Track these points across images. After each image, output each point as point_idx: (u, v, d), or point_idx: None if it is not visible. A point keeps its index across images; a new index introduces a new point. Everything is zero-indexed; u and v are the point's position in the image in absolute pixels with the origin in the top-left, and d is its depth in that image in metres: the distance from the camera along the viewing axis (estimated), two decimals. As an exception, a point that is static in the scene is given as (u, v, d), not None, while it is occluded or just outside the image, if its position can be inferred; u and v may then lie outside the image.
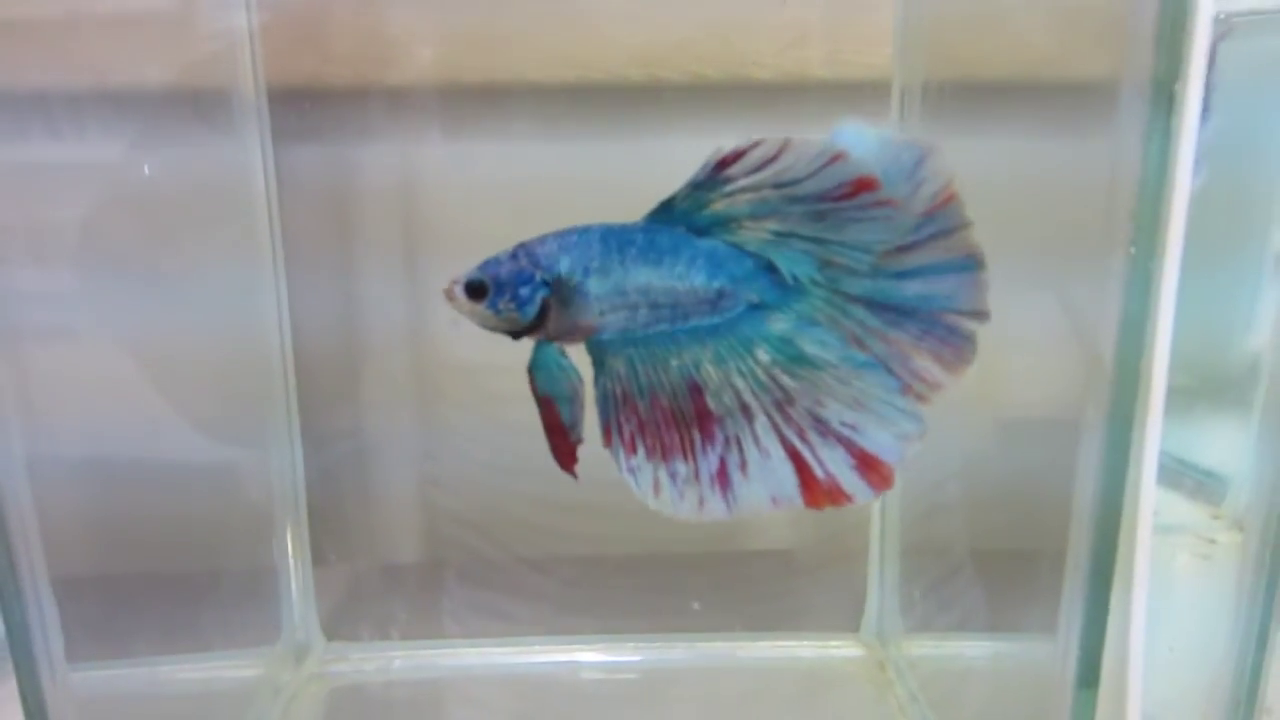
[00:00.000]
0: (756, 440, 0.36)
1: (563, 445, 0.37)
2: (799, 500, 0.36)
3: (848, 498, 0.36)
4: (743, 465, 0.36)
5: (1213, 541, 0.53)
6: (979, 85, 0.57)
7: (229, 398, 0.65)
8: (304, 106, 0.66)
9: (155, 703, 0.55)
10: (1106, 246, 0.37)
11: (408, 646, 0.73)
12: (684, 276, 0.36)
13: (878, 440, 0.36)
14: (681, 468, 0.36)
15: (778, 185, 0.35)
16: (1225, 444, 0.54)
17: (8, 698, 0.39)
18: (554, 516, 0.72)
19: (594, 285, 0.36)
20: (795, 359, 0.36)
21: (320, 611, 0.73)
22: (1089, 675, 0.40)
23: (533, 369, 0.37)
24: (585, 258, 0.36)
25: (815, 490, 0.36)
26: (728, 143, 0.35)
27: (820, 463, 0.36)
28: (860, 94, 0.67)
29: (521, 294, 0.36)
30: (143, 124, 0.54)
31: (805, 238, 0.36)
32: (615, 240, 0.36)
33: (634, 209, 0.67)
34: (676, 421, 0.36)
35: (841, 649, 0.72)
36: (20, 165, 0.47)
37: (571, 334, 0.37)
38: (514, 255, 0.37)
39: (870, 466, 0.36)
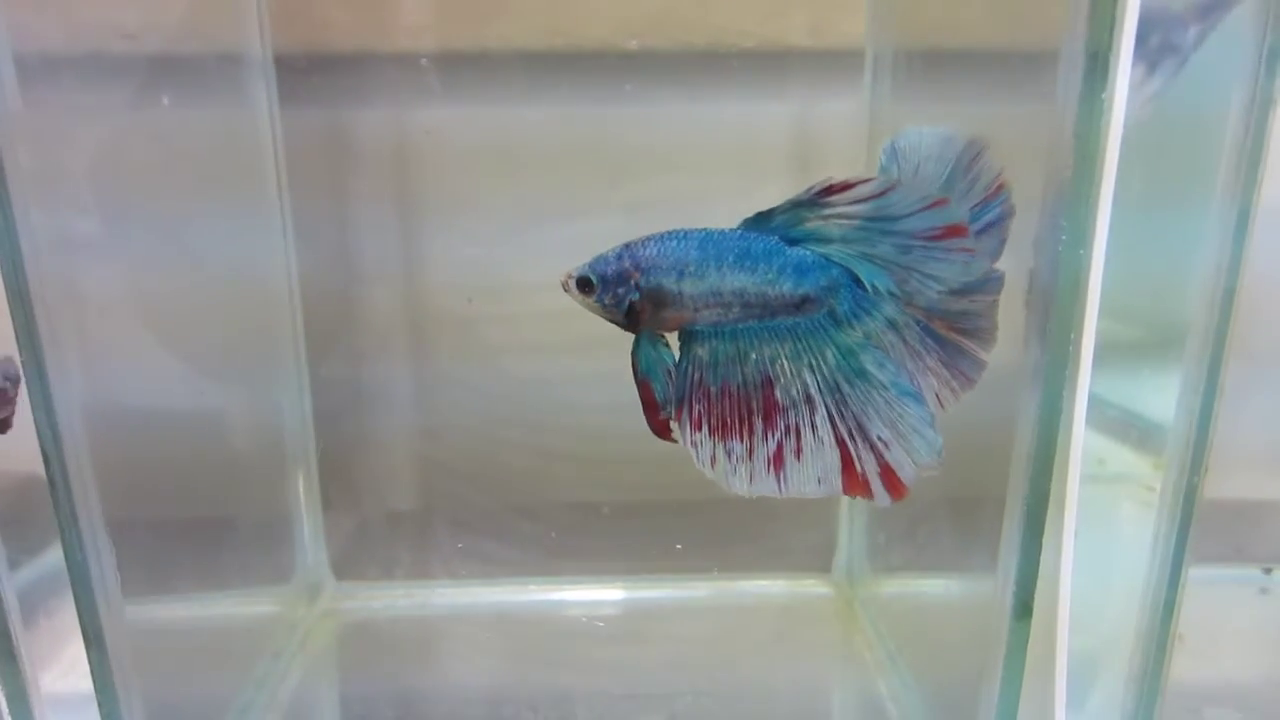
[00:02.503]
0: (815, 428, 0.40)
1: (655, 419, 0.41)
2: (839, 485, 0.41)
3: (872, 495, 0.41)
4: (798, 450, 0.41)
5: (1153, 489, 0.56)
6: (944, 54, 0.59)
7: (244, 357, 0.69)
8: (308, 70, 0.69)
9: (184, 636, 0.59)
10: (1046, 207, 0.41)
11: (412, 585, 0.78)
12: (774, 283, 0.40)
13: (900, 460, 0.40)
14: (737, 447, 0.40)
15: (874, 219, 0.38)
16: (1169, 397, 0.57)
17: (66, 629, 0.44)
18: (545, 464, 0.76)
19: (688, 287, 0.40)
20: (856, 372, 0.40)
21: (330, 553, 0.77)
22: (1023, 608, 0.45)
23: (634, 352, 0.41)
24: (682, 262, 0.40)
25: (853, 481, 0.41)
26: (837, 173, 0.38)
27: (859, 459, 0.41)
28: (838, 62, 0.70)
29: (619, 293, 0.40)
30: (158, 84, 0.56)
31: (888, 263, 0.40)
32: (714, 246, 0.40)
33: (619, 172, 0.71)
34: (741, 407, 0.40)
35: (813, 588, 0.77)
36: (52, 123, 0.49)
37: (666, 326, 0.41)
38: (619, 255, 0.40)
39: (890, 478, 0.40)
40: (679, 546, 0.76)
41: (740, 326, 0.40)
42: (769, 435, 0.40)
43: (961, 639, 0.55)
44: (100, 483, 0.43)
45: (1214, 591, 0.68)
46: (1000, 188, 0.40)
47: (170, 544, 0.57)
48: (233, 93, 0.66)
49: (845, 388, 0.40)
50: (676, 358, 0.41)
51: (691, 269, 0.40)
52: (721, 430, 0.40)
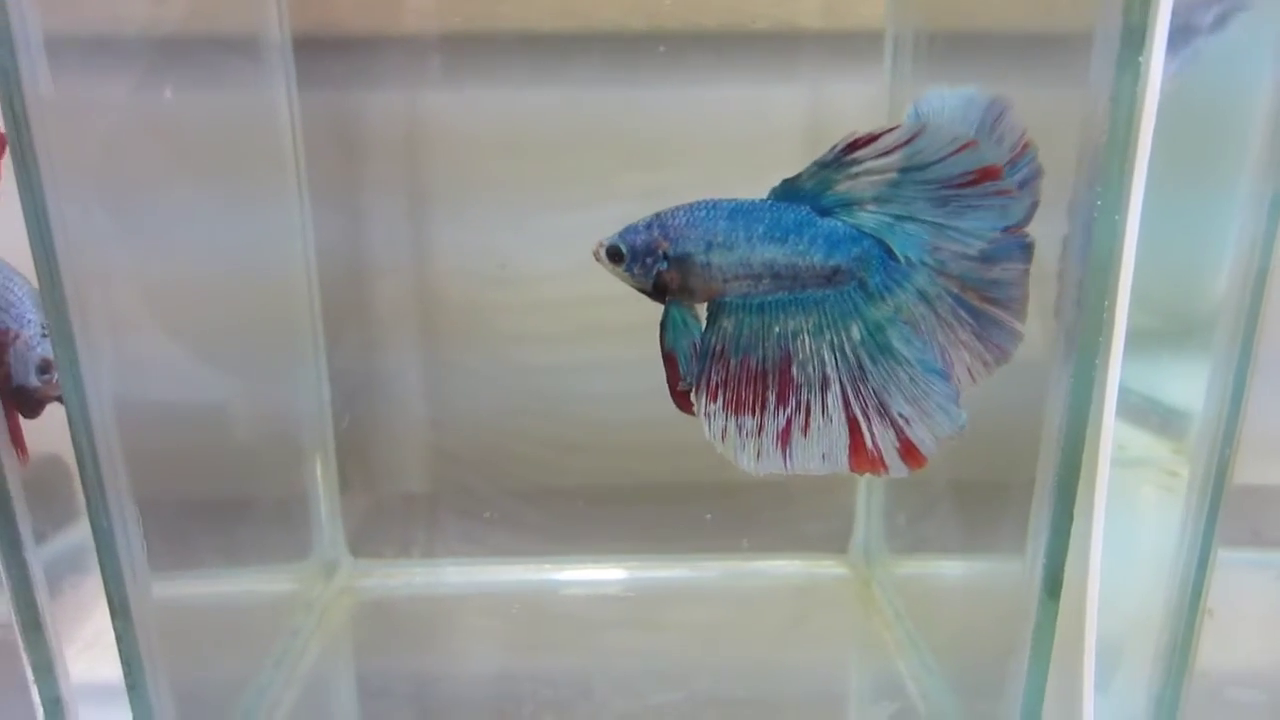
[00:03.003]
0: (825, 407, 0.40)
1: (676, 391, 0.41)
2: (845, 463, 0.40)
3: (885, 469, 0.40)
4: (805, 428, 0.40)
5: (1174, 474, 0.55)
6: (969, 35, 0.59)
7: (265, 344, 0.69)
8: (324, 52, 0.68)
9: (206, 613, 0.59)
10: (1078, 192, 0.41)
11: (427, 564, 0.78)
12: (805, 254, 0.39)
13: (921, 435, 0.40)
14: (749, 422, 0.40)
15: (905, 169, 0.38)
16: (1190, 383, 0.56)
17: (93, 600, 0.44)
18: (558, 451, 0.77)
19: (716, 258, 0.39)
20: (881, 348, 0.40)
21: (347, 532, 0.78)
22: (1053, 586, 0.45)
23: (662, 324, 0.41)
24: (710, 233, 0.39)
25: (861, 457, 0.40)
26: (861, 128, 0.38)
27: (873, 437, 0.40)
28: (854, 44, 0.69)
29: (648, 263, 0.40)
30: (177, 66, 0.56)
31: (922, 221, 0.39)
32: (743, 217, 0.39)
33: (632, 156, 0.70)
34: (757, 382, 0.40)
35: (831, 569, 0.77)
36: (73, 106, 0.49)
37: (695, 297, 0.40)
38: (649, 225, 0.40)
39: (910, 453, 0.40)
40: (708, 517, 0.76)
41: (769, 299, 0.40)
42: (780, 411, 0.40)
43: (985, 619, 0.55)
44: (128, 461, 0.43)
45: (1232, 575, 0.68)
46: (1026, 146, 0.39)
47: (193, 522, 0.57)
48: (251, 76, 0.66)
49: (868, 364, 0.40)
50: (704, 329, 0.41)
51: (720, 239, 0.39)
52: (736, 405, 0.40)
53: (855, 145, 0.38)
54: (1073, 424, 0.43)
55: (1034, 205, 0.40)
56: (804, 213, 0.39)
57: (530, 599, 0.76)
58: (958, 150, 0.37)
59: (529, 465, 0.77)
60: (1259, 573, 0.72)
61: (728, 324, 0.40)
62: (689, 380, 0.40)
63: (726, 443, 0.40)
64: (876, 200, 0.39)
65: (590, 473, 0.77)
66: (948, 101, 0.39)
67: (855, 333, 0.40)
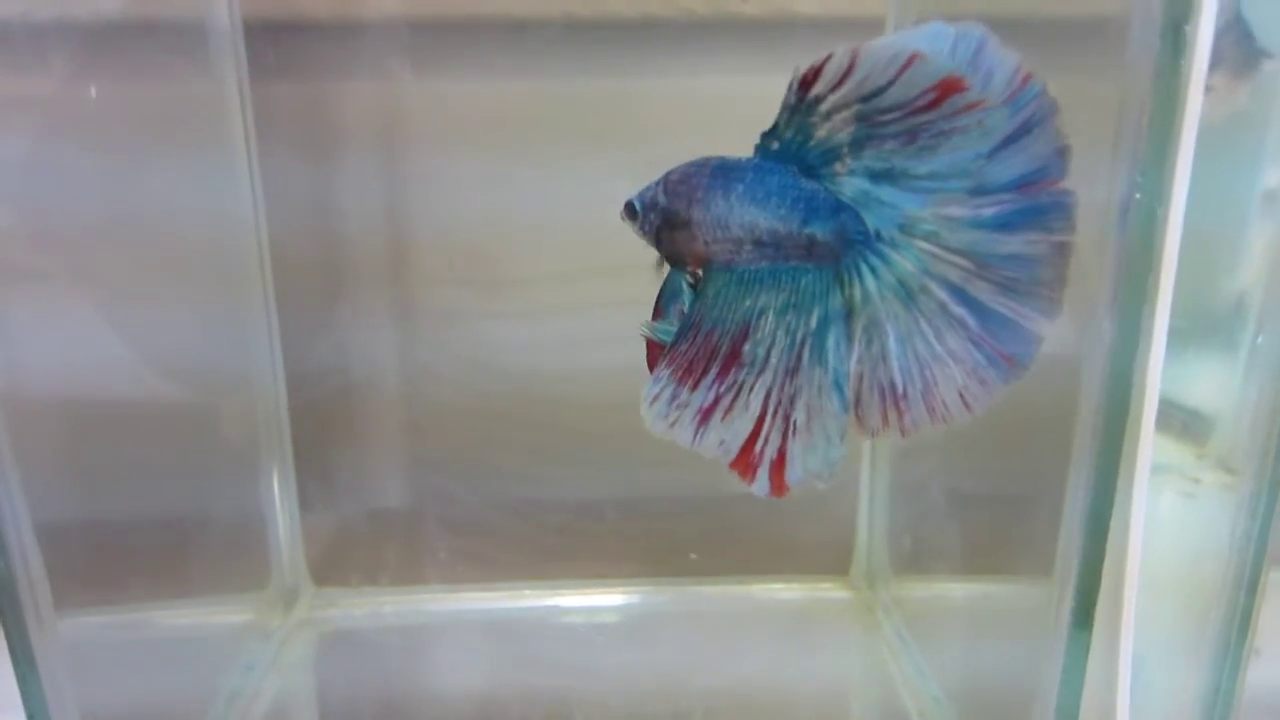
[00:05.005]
0: (750, 392, 0.36)
1: (650, 356, 0.38)
2: (730, 457, 0.36)
3: (752, 479, 0.36)
4: (728, 410, 0.36)
5: (1197, 480, 0.52)
6: (980, 20, 0.55)
7: (211, 337, 0.64)
8: (282, 39, 0.64)
9: (146, 649, 0.55)
10: (1109, 197, 0.36)
11: (396, 592, 0.73)
12: (785, 219, 0.35)
13: (794, 455, 0.36)
14: (683, 394, 0.36)
15: (864, 98, 0.32)
16: (1211, 383, 0.54)
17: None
18: (540, 462, 0.72)
19: (696, 215, 0.36)
20: (819, 343, 0.35)
21: (308, 556, 0.73)
22: (1084, 616, 0.40)
23: (661, 289, 0.38)
24: (692, 188, 0.36)
25: (744, 457, 0.36)
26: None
27: (763, 440, 0.36)
28: (852, 30, 0.65)
29: (650, 219, 0.38)
30: (116, 56, 0.53)
31: (907, 174, 0.33)
32: (724, 175, 0.36)
33: (618, 146, 0.66)
34: (708, 356, 0.36)
35: (831, 591, 0.72)
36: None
37: (685, 259, 0.37)
38: (658, 181, 0.38)
39: (778, 470, 0.36)
40: (693, 556, 0.71)
41: (751, 269, 0.36)
42: (713, 386, 0.36)
43: (1003, 649, 0.50)
44: (25, 477, 0.37)
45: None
46: (1027, 79, 0.33)
47: (126, 547, 0.53)
48: (198, 64, 0.61)
49: (804, 358, 0.35)
50: None
51: (700, 196, 0.36)
52: (682, 374, 0.36)
53: (806, 82, 0.33)
54: (1108, 431, 0.38)
55: (1063, 151, 0.33)
56: (789, 175, 0.35)
57: (510, 629, 0.72)
58: (904, 67, 0.31)
59: (509, 479, 0.73)
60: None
61: (710, 292, 0.37)
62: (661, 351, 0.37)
63: (653, 408, 0.36)
64: (853, 146, 0.33)
65: (576, 487, 0.73)
66: (908, 39, 0.32)
67: (813, 320, 0.35)
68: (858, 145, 0.33)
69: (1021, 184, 0.33)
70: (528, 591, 0.73)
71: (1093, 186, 0.36)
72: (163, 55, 0.58)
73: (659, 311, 0.38)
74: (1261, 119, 0.50)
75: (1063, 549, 0.41)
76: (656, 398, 0.36)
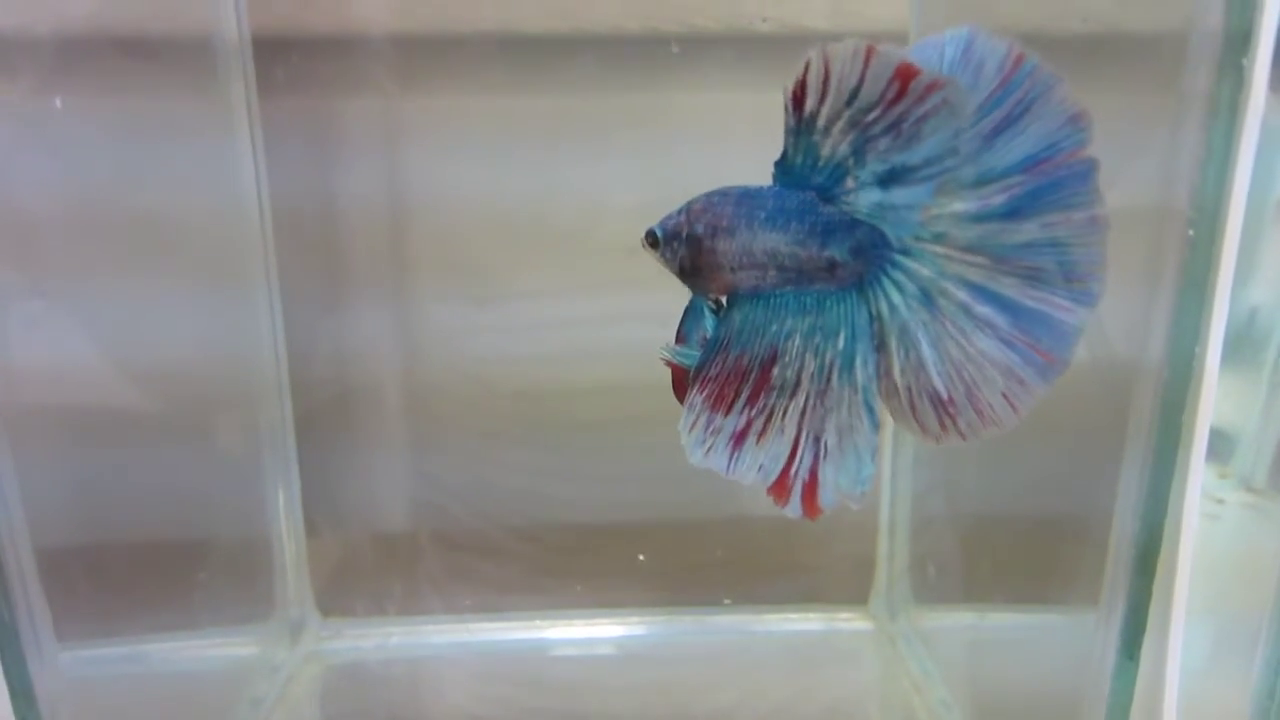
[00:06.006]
0: (784, 416, 0.35)
1: (677, 384, 0.38)
2: (769, 482, 0.35)
3: (785, 503, 0.35)
4: (762, 434, 0.35)
5: (1221, 501, 0.51)
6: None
7: (219, 367, 0.63)
8: (289, 56, 0.63)
9: (148, 683, 0.53)
10: (1154, 231, 0.35)
11: (404, 622, 0.71)
12: (805, 244, 0.35)
13: (828, 478, 0.35)
14: (718, 419, 0.36)
15: (848, 103, 0.32)
16: (1232, 401, 0.53)
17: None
18: (549, 484, 0.71)
19: (721, 244, 0.36)
20: (847, 362, 0.34)
21: (314, 586, 0.71)
22: (1131, 646, 0.39)
23: (684, 314, 0.38)
24: (717, 218, 0.36)
25: (781, 483, 0.35)
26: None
27: (798, 460, 0.35)
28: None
29: (674, 248, 0.37)
30: (122, 71, 0.52)
31: (908, 169, 0.32)
32: (749, 202, 0.36)
33: (626, 164, 0.65)
34: (738, 380, 0.36)
35: (850, 623, 0.70)
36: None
37: (708, 285, 0.37)
38: (681, 210, 0.38)
39: (810, 493, 0.35)
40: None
41: (776, 294, 0.36)
42: (745, 411, 0.35)
43: (1040, 682, 0.48)
44: (29, 504, 0.36)
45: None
46: (1019, 60, 0.31)
47: (127, 578, 0.51)
48: (205, 79, 0.60)
49: (833, 377, 0.34)
50: None
51: (725, 225, 0.36)
52: (715, 400, 0.36)
53: (797, 99, 0.32)
54: (1160, 463, 0.36)
55: (1076, 119, 0.31)
56: (808, 198, 0.35)
57: (520, 658, 0.70)
58: (866, 62, 0.30)
59: (517, 501, 0.71)
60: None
61: (736, 316, 0.36)
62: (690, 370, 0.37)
63: (691, 434, 0.36)
64: (856, 157, 0.33)
65: (584, 509, 0.71)
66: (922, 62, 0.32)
67: (840, 341, 0.35)
68: (859, 154, 0.33)
69: (1030, 164, 0.32)
70: (539, 621, 0.71)
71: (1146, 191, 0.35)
72: (172, 68, 0.58)
73: (681, 336, 0.38)
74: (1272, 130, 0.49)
75: (1109, 578, 0.39)
76: (693, 425, 0.36)
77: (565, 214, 0.65)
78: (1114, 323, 0.38)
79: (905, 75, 0.30)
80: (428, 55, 0.64)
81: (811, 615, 0.71)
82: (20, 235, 0.44)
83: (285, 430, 0.68)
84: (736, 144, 0.63)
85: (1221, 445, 0.54)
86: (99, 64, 0.50)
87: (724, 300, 0.37)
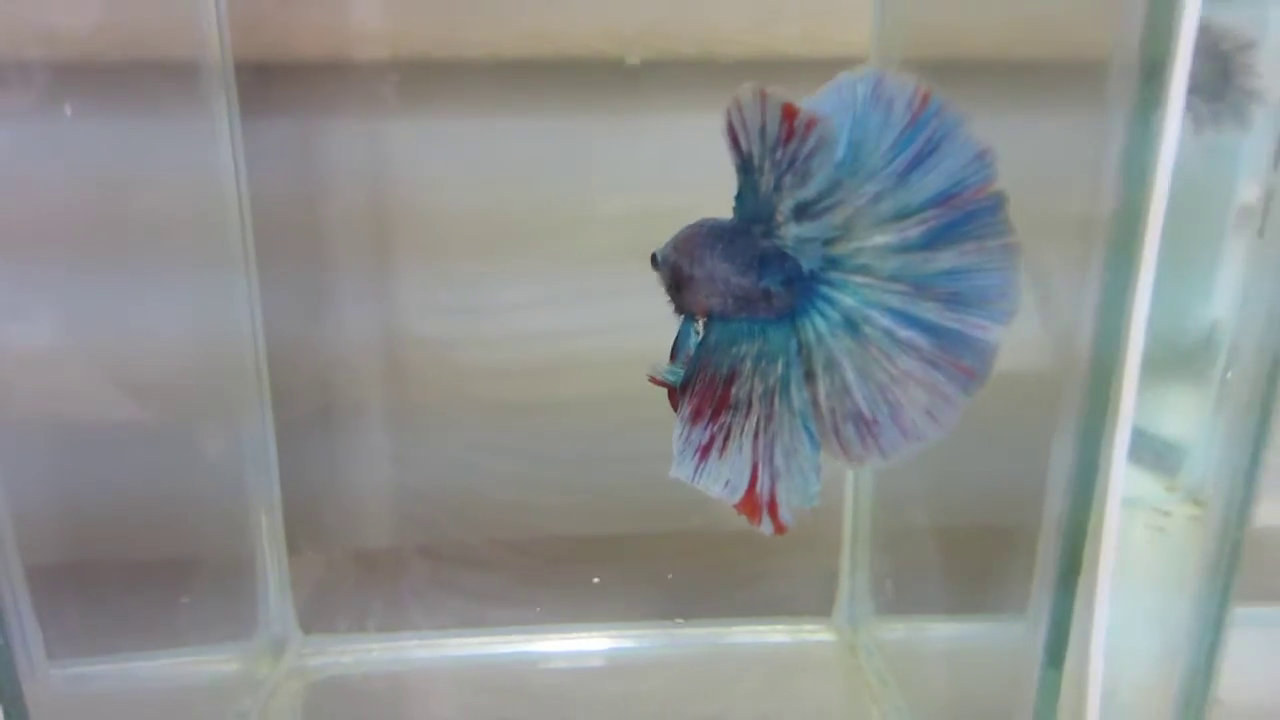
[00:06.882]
0: (741, 435, 0.37)
1: (671, 398, 0.40)
2: (736, 498, 0.38)
3: (758, 521, 0.37)
4: (722, 449, 0.38)
5: (1167, 514, 0.52)
6: (960, 63, 0.56)
7: (199, 380, 0.65)
8: (271, 80, 0.65)
9: (132, 699, 0.55)
10: (1083, 232, 0.38)
11: (386, 638, 0.73)
12: (746, 274, 0.37)
13: (784, 496, 0.37)
14: (692, 433, 0.38)
15: (761, 141, 0.34)
16: (1181, 414, 0.54)
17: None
18: (533, 495, 0.72)
19: (694, 271, 0.38)
20: (785, 391, 0.37)
21: (296, 603, 0.72)
22: (1055, 654, 0.41)
23: (676, 335, 0.41)
24: (692, 248, 0.39)
25: (750, 500, 0.37)
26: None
27: (761, 481, 0.37)
28: (835, 71, 0.67)
29: (665, 273, 0.40)
30: (106, 95, 0.54)
31: (810, 205, 0.35)
32: (713, 234, 0.38)
33: (602, 185, 0.67)
34: (710, 396, 0.38)
35: (814, 634, 0.73)
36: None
37: (691, 308, 0.40)
38: (671, 239, 0.40)
39: (775, 512, 0.37)
40: (669, 576, 0.72)
41: (736, 320, 0.38)
42: (709, 427, 0.38)
43: (981, 689, 0.51)
44: (24, 533, 0.38)
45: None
46: (926, 99, 0.34)
47: (111, 595, 0.53)
48: (188, 104, 0.62)
49: (776, 401, 0.37)
50: None
51: (696, 254, 0.38)
52: (692, 415, 0.38)
53: (732, 138, 0.34)
54: (1081, 481, 0.39)
55: (982, 155, 0.34)
56: (755, 231, 0.37)
57: (499, 673, 0.71)
58: (763, 106, 0.33)
59: (501, 513, 0.73)
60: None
61: (710, 338, 0.39)
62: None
63: (675, 445, 0.38)
64: (778, 192, 0.35)
65: (560, 523, 0.73)
66: (834, 106, 0.35)
67: (779, 367, 0.37)
68: (780, 190, 0.35)
69: (942, 199, 0.34)
70: (516, 636, 0.73)
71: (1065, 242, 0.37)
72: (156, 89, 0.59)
73: (672, 356, 0.40)
74: (1234, 145, 0.51)
75: (1037, 588, 0.42)
76: (677, 437, 0.38)
77: (549, 232, 0.67)
78: (1042, 332, 0.41)
79: (789, 115, 0.33)
80: (415, 78, 0.66)
81: (779, 627, 0.73)
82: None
83: (267, 445, 0.69)
84: (708, 163, 0.66)
85: (1171, 458, 0.56)
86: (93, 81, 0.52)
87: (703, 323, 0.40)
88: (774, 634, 0.73)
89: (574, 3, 0.65)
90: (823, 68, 0.66)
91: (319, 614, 0.73)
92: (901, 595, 0.65)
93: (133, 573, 0.56)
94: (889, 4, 0.63)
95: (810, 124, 0.33)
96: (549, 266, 0.68)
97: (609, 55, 0.65)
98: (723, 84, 0.65)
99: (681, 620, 0.73)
